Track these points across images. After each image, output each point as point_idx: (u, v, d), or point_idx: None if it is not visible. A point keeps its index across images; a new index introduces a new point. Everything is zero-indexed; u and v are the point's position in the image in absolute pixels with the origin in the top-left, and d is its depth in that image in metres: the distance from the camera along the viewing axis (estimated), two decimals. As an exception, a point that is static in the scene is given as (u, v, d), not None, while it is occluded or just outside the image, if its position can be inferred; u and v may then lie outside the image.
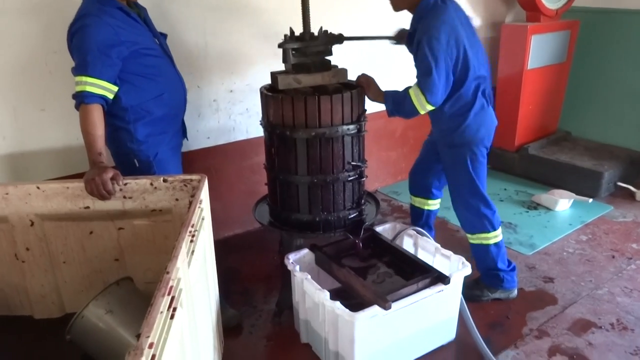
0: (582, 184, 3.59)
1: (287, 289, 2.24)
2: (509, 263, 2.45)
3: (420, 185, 2.68)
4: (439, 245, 2.22)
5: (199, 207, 1.68)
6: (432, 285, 1.96)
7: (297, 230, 2.24)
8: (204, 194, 1.81)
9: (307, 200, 2.18)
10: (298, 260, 2.17)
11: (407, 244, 2.38)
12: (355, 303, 1.88)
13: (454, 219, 3.28)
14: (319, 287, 1.92)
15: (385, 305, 1.80)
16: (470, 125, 2.19)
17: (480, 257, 2.44)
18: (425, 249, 2.29)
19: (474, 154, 2.24)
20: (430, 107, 2.08)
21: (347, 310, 1.79)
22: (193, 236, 1.51)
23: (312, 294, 1.95)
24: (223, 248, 2.95)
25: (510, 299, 2.45)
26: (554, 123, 4.32)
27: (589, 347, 2.13)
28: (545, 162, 3.81)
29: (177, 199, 1.89)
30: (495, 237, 2.38)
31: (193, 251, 1.48)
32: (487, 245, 2.39)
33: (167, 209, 1.92)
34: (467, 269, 2.05)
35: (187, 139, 2.21)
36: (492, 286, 2.43)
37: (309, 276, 2.00)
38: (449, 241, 3.00)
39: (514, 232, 3.14)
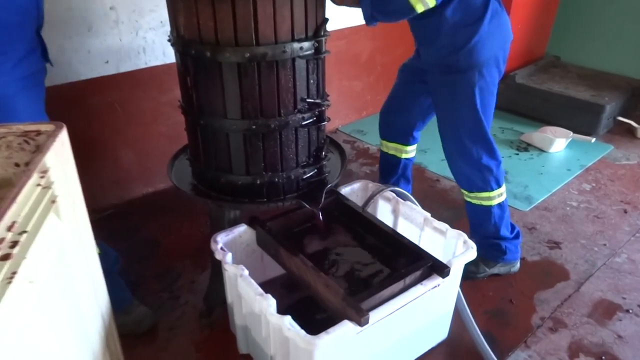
0: (578, 119, 3.04)
1: (219, 279, 1.59)
2: (512, 227, 1.89)
3: (397, 128, 2.03)
4: (428, 215, 1.60)
5: (39, 184, 0.95)
6: (425, 278, 1.36)
7: (230, 197, 1.56)
8: (57, 157, 1.08)
9: (243, 155, 1.49)
10: (231, 243, 1.51)
11: (384, 212, 1.75)
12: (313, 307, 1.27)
13: (433, 166, 2.68)
14: (261, 290, 1.28)
15: (361, 320, 1.19)
16: (481, 41, 1.52)
17: (479, 221, 1.86)
18: (409, 218, 1.67)
19: (484, 81, 1.61)
20: (432, 2, 1.39)
21: (302, 332, 1.17)
22: (12, 247, 0.80)
23: (250, 301, 1.31)
24: (138, 211, 2.25)
25: (512, 273, 1.92)
26: (542, 46, 3.70)
27: (618, 341, 1.64)
28: (534, 93, 3.22)
29: (16, 164, 1.14)
30: (499, 195, 1.80)
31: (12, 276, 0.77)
32: (489, 207, 1.81)
33: (4, 180, 1.18)
34: (471, 252, 1.45)
35: (52, 64, 1.43)
36: (490, 259, 1.88)
37: (246, 271, 1.35)
38: (428, 195, 2.41)
39: (506, 180, 2.57)
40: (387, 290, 1.29)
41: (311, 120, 1.51)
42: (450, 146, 1.80)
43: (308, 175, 1.59)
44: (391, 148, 2.10)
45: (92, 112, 2.10)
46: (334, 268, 1.46)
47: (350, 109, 3.21)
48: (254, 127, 1.43)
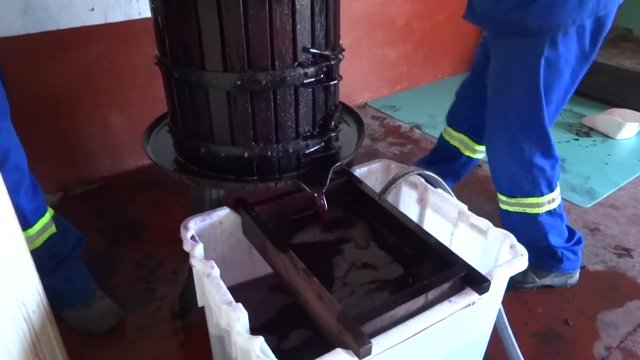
0: (654, 101, 2.55)
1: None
2: (571, 233, 1.49)
3: (468, 117, 1.66)
4: (465, 208, 1.23)
5: None
6: (455, 294, 1.00)
7: (211, 173, 1.24)
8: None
9: (227, 119, 1.16)
10: (209, 231, 1.19)
11: (408, 201, 1.39)
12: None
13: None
14: (229, 297, 0.95)
15: (360, 351, 0.85)
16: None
17: (522, 231, 1.46)
18: (439, 210, 1.30)
19: (556, 54, 1.25)
20: None
21: (277, 364, 0.84)
22: None
23: (216, 309, 0.99)
24: (128, 186, 1.97)
25: (569, 285, 1.53)
26: (611, 17, 3.19)
27: None
28: (601, 69, 2.73)
29: None
30: (550, 201, 1.42)
31: None
32: (535, 216, 1.43)
33: None
34: (521, 261, 1.07)
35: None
36: (542, 268, 1.49)
37: (216, 270, 1.02)
38: (467, 183, 2.03)
39: (562, 170, 2.15)
40: (401, 308, 0.94)
41: (316, 77, 1.16)
42: (495, 136, 1.42)
43: (311, 149, 1.25)
44: (455, 138, 1.72)
45: (75, 68, 1.81)
46: (334, 273, 1.12)
47: (382, 81, 2.82)
48: (239, 82, 1.10)
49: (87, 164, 1.99)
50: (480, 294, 1.00)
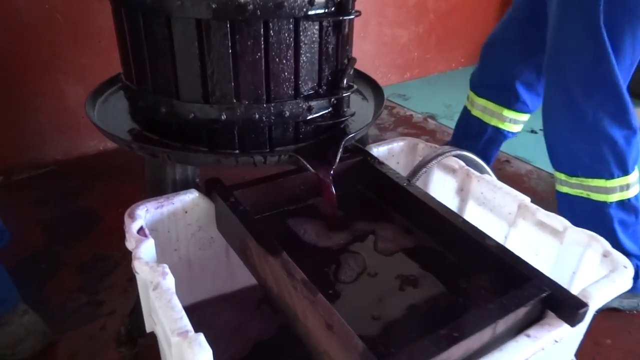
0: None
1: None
2: (650, 239, 1.16)
3: (495, 74, 1.34)
4: (528, 200, 0.88)
5: None
6: (534, 324, 0.65)
7: (173, 143, 0.88)
8: None
9: (197, 63, 0.81)
10: (167, 223, 0.84)
11: (443, 191, 1.04)
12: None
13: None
14: (184, 323, 0.60)
15: None
16: None
17: (584, 223, 1.12)
18: (487, 204, 0.96)
19: None
20: None
21: None
22: None
23: (165, 340, 0.63)
24: (85, 172, 1.62)
25: (641, 309, 1.19)
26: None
27: None
28: None
29: None
30: (623, 188, 1.09)
31: None
32: (602, 205, 1.10)
33: None
34: (625, 275, 0.73)
35: None
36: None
37: (168, 279, 0.66)
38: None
39: None
40: (458, 348, 0.59)
41: (326, 9, 0.82)
42: (551, 95, 1.10)
43: (315, 115, 0.90)
44: (478, 107, 1.40)
45: (21, 22, 1.46)
46: (346, 289, 0.77)
47: (391, 67, 2.48)
48: (215, 6, 0.75)
49: (36, 144, 1.63)
50: (572, 324, 0.66)
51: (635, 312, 1.18)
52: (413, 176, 0.97)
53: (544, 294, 0.67)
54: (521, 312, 0.65)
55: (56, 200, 1.49)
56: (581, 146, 1.07)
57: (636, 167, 1.11)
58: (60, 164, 1.67)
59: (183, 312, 0.62)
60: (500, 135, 1.41)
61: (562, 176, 1.15)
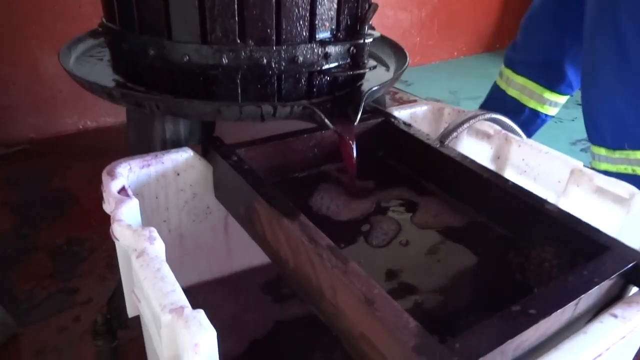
0: None
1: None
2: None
3: (545, 52, 1.21)
4: (581, 165, 0.76)
5: None
6: (617, 302, 0.52)
7: (163, 89, 0.74)
8: None
9: (194, -7, 0.66)
10: (154, 188, 0.70)
11: (479, 161, 0.90)
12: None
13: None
14: (181, 298, 0.45)
15: None
16: None
17: None
18: (531, 172, 0.83)
19: None
20: None
21: None
22: None
23: (153, 322, 0.48)
24: (61, 151, 1.47)
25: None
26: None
27: None
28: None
29: None
30: None
31: None
32: None
33: None
34: None
35: None
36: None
37: (158, 244, 0.52)
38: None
39: None
40: (536, 329, 0.45)
41: None
42: (599, 54, 0.97)
43: (332, 64, 0.76)
44: (516, 86, 1.26)
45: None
46: (375, 263, 0.63)
47: (392, 53, 2.36)
48: None
49: (7, 119, 1.47)
50: (671, 305, 0.52)
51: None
52: (446, 137, 0.84)
53: (630, 266, 0.53)
54: (604, 286, 0.52)
55: (28, 181, 1.33)
56: (632, 114, 0.95)
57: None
58: (34, 142, 1.51)
59: (177, 284, 0.47)
60: (537, 118, 1.28)
61: (602, 151, 1.02)
